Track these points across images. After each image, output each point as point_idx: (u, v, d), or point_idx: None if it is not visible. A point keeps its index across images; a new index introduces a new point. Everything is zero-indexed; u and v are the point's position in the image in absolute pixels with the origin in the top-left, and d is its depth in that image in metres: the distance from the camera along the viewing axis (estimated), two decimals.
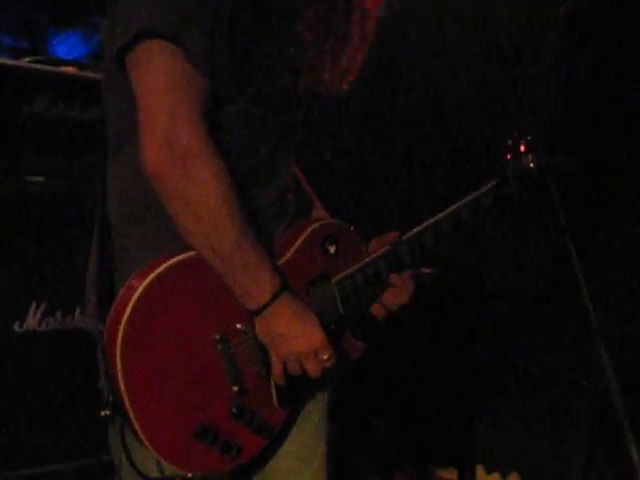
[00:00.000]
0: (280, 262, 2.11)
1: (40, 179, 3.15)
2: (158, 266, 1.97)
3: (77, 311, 3.20)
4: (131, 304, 1.93)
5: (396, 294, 2.26)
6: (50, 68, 3.17)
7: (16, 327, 3.07)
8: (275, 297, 2.01)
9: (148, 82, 1.93)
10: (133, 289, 1.95)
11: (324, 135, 3.91)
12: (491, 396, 4.08)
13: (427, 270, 2.29)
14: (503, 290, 4.00)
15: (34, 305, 3.11)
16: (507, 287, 3.99)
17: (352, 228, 2.27)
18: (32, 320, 3.10)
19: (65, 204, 3.17)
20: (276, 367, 2.07)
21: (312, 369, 2.06)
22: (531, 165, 2.32)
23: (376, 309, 2.30)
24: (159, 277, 1.96)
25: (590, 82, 3.58)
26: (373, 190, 4.10)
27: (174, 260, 1.98)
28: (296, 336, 2.02)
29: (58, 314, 3.16)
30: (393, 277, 2.23)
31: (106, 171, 2.16)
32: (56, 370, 3.12)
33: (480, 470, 4.08)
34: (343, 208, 2.47)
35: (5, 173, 3.06)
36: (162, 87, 1.92)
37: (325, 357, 2.04)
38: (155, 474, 2.01)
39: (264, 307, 2.01)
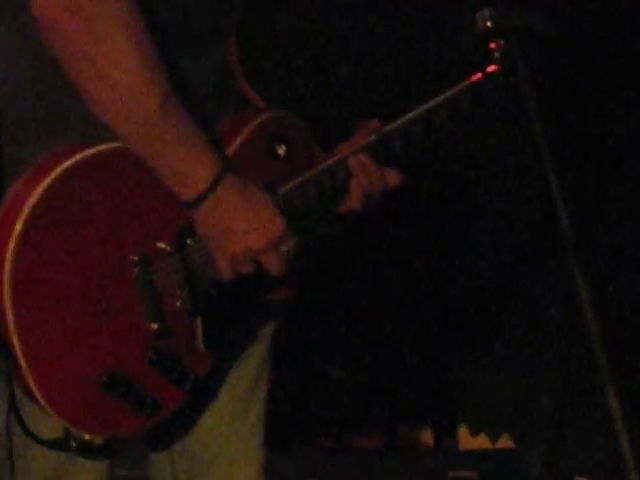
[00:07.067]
0: None
1: None
2: (60, 162, 1.83)
3: None
4: (23, 216, 1.80)
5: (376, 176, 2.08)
6: None
7: None
8: (218, 179, 1.87)
9: None
10: (25, 195, 1.82)
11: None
12: (477, 340, 3.91)
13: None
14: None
15: None
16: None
17: (306, 125, 2.14)
18: None
19: None
20: (225, 271, 1.94)
21: (273, 265, 1.94)
22: (488, 24, 1.94)
23: (350, 201, 2.10)
24: (60, 179, 1.83)
25: None
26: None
27: (84, 154, 1.84)
28: (250, 229, 1.91)
29: None
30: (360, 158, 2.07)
31: None
32: None
33: (463, 432, 3.96)
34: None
35: None
36: None
37: (286, 248, 1.93)
38: (48, 434, 1.91)
39: (205, 195, 1.87)
